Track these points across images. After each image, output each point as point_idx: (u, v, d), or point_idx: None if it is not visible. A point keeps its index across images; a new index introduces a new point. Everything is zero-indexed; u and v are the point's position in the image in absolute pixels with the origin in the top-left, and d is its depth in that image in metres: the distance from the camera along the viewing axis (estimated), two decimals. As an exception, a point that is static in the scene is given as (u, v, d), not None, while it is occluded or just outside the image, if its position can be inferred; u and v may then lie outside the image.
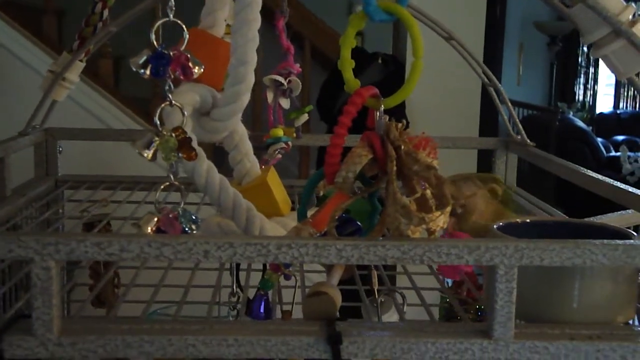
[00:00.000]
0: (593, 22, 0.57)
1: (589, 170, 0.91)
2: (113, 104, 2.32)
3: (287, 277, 0.78)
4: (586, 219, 0.79)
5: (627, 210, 0.91)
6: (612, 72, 0.58)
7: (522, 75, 6.58)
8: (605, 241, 0.55)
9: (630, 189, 0.81)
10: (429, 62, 2.22)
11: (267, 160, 1.01)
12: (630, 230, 0.64)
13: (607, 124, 6.67)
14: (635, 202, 0.79)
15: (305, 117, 1.08)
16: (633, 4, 0.56)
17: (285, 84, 1.04)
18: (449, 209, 0.56)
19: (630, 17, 0.56)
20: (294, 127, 1.10)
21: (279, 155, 1.04)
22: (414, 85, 0.60)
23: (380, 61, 2.63)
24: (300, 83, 1.05)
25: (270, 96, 1.04)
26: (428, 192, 0.58)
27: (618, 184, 0.83)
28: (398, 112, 2.37)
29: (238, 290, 0.80)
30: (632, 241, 0.57)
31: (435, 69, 2.30)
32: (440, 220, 0.55)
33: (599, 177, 0.88)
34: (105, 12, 1.04)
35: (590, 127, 6.24)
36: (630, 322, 0.63)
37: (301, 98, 2.59)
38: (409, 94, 0.61)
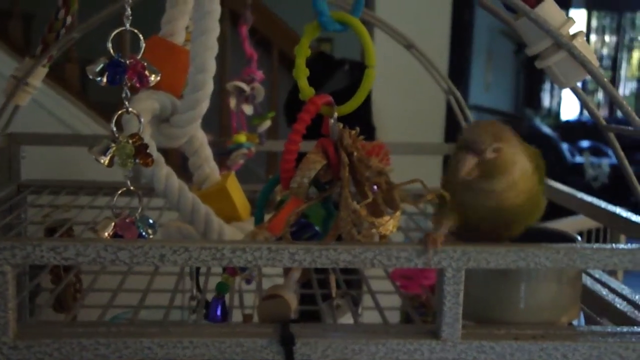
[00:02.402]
0: (536, 35, 0.60)
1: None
2: (80, 108, 2.30)
3: (248, 282, 0.80)
4: (539, 224, 0.81)
5: (579, 215, 0.94)
6: (554, 82, 0.60)
7: (490, 82, 6.66)
8: (548, 245, 0.57)
9: (579, 194, 0.84)
10: (396, 69, 2.25)
11: (229, 165, 1.02)
12: (574, 235, 0.66)
13: (572, 130, 6.78)
14: (583, 207, 0.82)
15: (268, 123, 1.10)
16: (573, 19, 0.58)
17: (248, 90, 1.06)
18: (398, 213, 0.58)
19: (571, 30, 0.59)
20: (257, 133, 1.12)
21: (241, 161, 1.05)
22: (366, 93, 0.62)
23: (347, 67, 2.65)
24: (263, 90, 1.06)
25: (233, 102, 1.06)
26: (380, 197, 0.60)
27: (566, 189, 0.86)
28: (363, 118, 2.39)
29: (197, 293, 0.81)
30: (573, 244, 0.59)
31: (402, 75, 2.33)
32: (390, 224, 0.57)
33: (551, 183, 0.91)
34: (69, 19, 1.04)
35: (556, 133, 6.34)
36: (575, 322, 0.66)
37: (269, 103, 2.61)
38: (360, 102, 0.62)
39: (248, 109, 1.06)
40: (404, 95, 2.61)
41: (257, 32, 2.44)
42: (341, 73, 2.63)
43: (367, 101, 2.43)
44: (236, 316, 0.83)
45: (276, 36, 2.73)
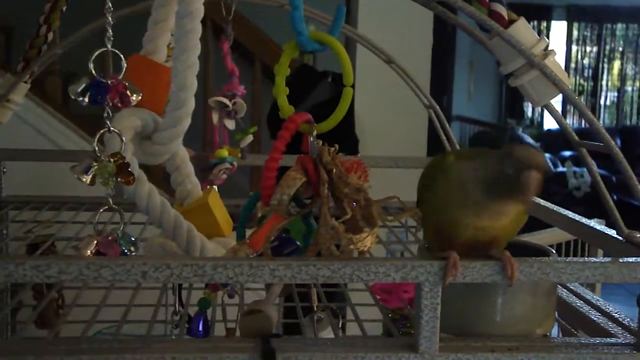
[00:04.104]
0: (510, 54, 0.61)
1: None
2: (62, 122, 2.30)
3: (230, 296, 0.80)
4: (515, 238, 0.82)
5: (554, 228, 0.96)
6: (528, 100, 0.62)
7: (473, 92, 6.71)
8: (522, 258, 0.58)
9: (555, 207, 0.86)
10: (379, 81, 2.27)
11: (212, 180, 1.03)
12: (548, 248, 0.68)
13: (555, 140, 6.85)
14: (558, 220, 0.83)
15: (249, 138, 1.11)
16: (546, 39, 0.60)
17: (230, 105, 1.07)
18: (376, 229, 0.59)
19: (543, 49, 0.60)
20: (239, 147, 1.12)
21: (224, 176, 1.06)
22: (344, 111, 0.63)
23: (330, 79, 2.67)
24: (245, 105, 1.07)
25: (215, 117, 1.07)
26: (358, 213, 0.61)
27: (542, 202, 0.87)
28: (346, 131, 2.40)
29: (180, 308, 0.82)
30: (546, 258, 0.60)
31: (385, 88, 2.35)
32: (368, 240, 0.58)
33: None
34: (50, 35, 1.05)
35: (539, 143, 6.39)
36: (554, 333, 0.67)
37: (252, 116, 2.61)
38: (339, 120, 0.64)
39: (230, 124, 1.07)
40: (388, 109, 2.63)
41: (240, 46, 2.45)
42: (324, 85, 2.64)
43: (350, 114, 2.45)
44: (219, 329, 0.83)
45: (259, 49, 2.74)
